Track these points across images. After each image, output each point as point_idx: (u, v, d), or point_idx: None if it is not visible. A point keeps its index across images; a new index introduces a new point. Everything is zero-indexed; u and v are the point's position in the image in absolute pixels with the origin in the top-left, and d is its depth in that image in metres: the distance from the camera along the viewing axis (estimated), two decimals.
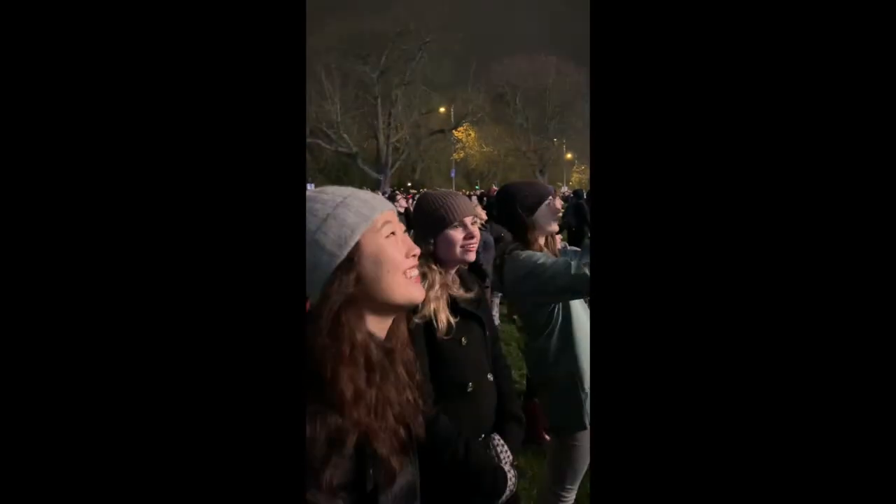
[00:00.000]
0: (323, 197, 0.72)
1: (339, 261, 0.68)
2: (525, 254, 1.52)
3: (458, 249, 1.15)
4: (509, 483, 1.04)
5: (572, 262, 1.43)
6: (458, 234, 1.15)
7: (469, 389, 1.10)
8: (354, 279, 0.68)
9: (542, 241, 1.61)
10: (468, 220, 1.17)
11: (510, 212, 1.61)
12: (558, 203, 1.65)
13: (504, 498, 1.03)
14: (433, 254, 1.15)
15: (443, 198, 1.20)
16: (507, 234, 1.68)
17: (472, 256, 1.17)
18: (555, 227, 1.65)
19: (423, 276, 1.08)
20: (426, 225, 1.16)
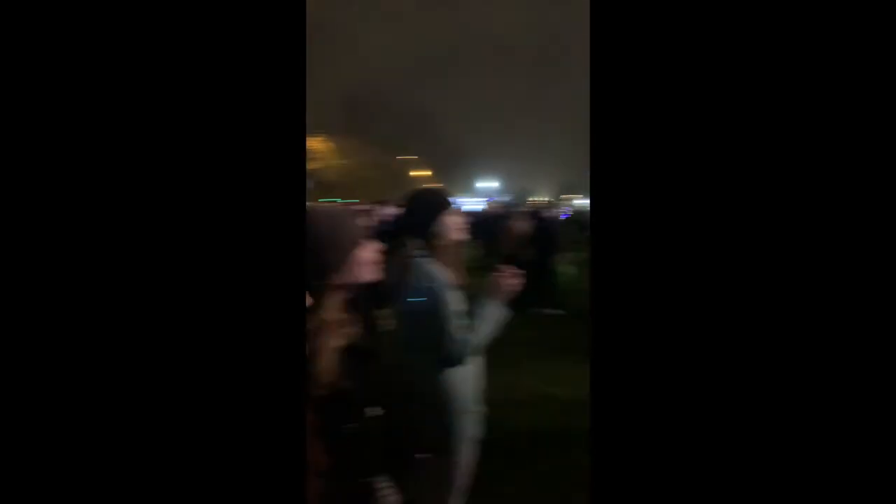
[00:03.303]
0: None
1: None
2: (440, 285, 1.49)
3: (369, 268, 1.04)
4: None
5: (470, 338, 1.44)
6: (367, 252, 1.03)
7: (354, 431, 0.99)
8: None
9: (446, 248, 1.59)
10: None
11: (417, 217, 1.59)
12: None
13: None
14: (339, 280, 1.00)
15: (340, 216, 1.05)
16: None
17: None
18: (459, 235, 1.65)
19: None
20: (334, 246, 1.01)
